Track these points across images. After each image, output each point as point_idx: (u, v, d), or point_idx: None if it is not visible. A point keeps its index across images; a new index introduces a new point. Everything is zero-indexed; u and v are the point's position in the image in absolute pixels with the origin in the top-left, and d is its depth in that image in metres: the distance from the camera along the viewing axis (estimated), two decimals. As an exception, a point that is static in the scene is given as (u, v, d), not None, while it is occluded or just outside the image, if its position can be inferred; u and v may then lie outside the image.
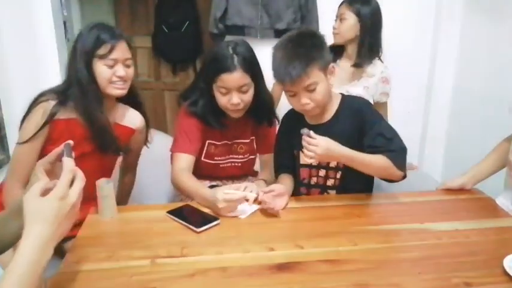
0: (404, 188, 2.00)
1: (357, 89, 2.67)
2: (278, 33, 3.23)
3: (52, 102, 1.87)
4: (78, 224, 1.80)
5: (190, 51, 4.39)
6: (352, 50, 2.75)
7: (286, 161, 2.03)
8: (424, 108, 3.55)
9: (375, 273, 1.42)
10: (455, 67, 3.33)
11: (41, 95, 1.91)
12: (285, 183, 1.95)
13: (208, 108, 2.03)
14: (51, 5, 3.00)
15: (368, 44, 2.70)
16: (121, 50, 1.88)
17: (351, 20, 2.69)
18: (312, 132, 1.72)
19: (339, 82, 2.64)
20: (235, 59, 1.91)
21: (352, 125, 1.87)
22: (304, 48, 1.76)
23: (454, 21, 3.27)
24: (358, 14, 2.71)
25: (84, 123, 1.90)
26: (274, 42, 3.26)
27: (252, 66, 1.97)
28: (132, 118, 2.10)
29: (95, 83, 1.88)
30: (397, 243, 1.62)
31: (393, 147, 1.81)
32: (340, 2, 2.78)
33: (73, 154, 1.19)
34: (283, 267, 1.43)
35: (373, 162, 1.79)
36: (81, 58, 1.86)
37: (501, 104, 2.10)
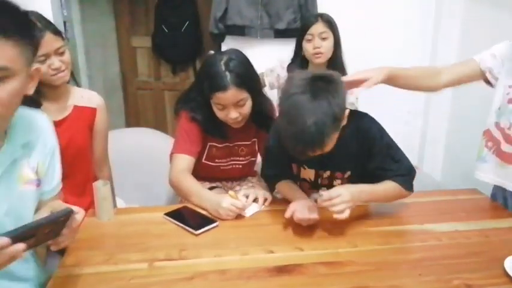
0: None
1: None
2: (278, 33, 3.23)
3: None
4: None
5: (190, 51, 4.38)
6: (323, 67, 2.69)
7: (286, 171, 1.93)
8: (424, 108, 3.54)
9: (374, 275, 1.42)
10: (455, 67, 3.32)
11: None
12: (297, 191, 1.86)
13: (208, 120, 2.00)
14: (51, 5, 3.00)
15: (339, 58, 2.71)
16: (49, 43, 1.78)
17: (331, 37, 2.67)
18: (325, 194, 1.60)
19: None
20: (228, 77, 1.86)
21: (358, 144, 1.76)
22: (321, 117, 1.49)
23: (454, 20, 3.26)
24: (332, 30, 2.69)
25: None
26: (274, 42, 3.28)
27: (246, 81, 1.91)
28: (89, 98, 2.07)
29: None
30: (397, 245, 1.61)
31: (402, 171, 1.77)
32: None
33: None
34: (282, 270, 1.43)
35: (387, 192, 1.76)
36: None
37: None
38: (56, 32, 1.82)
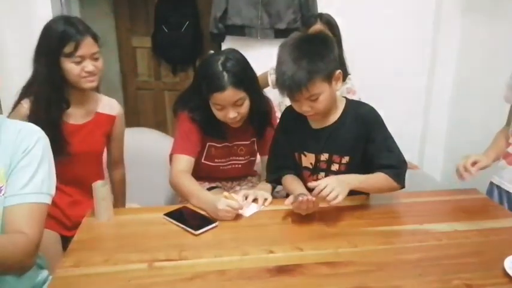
0: (404, 188, 1.99)
1: None
2: (278, 33, 3.23)
3: (27, 106, 1.92)
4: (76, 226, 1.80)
5: (190, 51, 4.38)
6: None
7: (289, 162, 1.96)
8: (424, 108, 3.54)
9: (375, 275, 1.41)
10: (455, 67, 3.32)
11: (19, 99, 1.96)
12: (298, 184, 1.90)
13: (207, 120, 2.02)
14: (51, 5, 3.00)
15: (340, 59, 2.51)
16: (87, 46, 1.87)
17: None
18: (315, 187, 1.65)
19: None
20: (226, 77, 1.88)
21: (357, 130, 1.83)
22: (307, 59, 1.67)
23: (454, 21, 3.26)
24: (332, 30, 2.60)
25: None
26: (274, 42, 3.27)
27: (244, 80, 1.93)
28: (110, 105, 2.15)
29: (61, 82, 1.90)
30: (397, 245, 1.61)
31: (395, 162, 1.82)
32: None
33: None
34: (282, 270, 1.42)
35: (377, 182, 1.81)
36: (47, 56, 1.88)
37: (501, 104, 2.09)
38: (95, 38, 1.92)
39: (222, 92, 1.88)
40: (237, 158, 2.20)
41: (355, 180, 1.75)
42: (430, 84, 3.45)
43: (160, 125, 4.32)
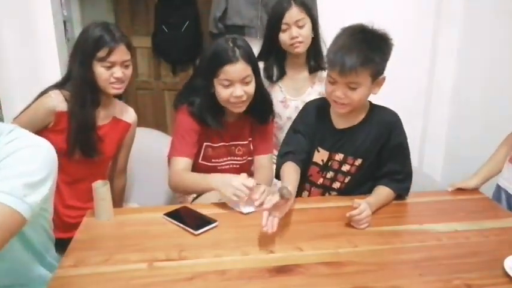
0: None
1: (312, 97, 2.36)
2: (278, 33, 3.22)
3: (55, 96, 1.97)
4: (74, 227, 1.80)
5: (190, 51, 4.37)
6: (302, 56, 2.54)
7: (299, 151, 1.93)
8: (424, 108, 3.53)
9: (375, 275, 1.41)
10: (455, 67, 3.32)
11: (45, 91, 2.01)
12: (292, 178, 1.82)
13: (206, 106, 2.02)
14: (51, 5, 2.99)
15: (319, 42, 2.53)
16: (119, 53, 1.94)
17: (309, 23, 2.45)
18: (354, 212, 1.65)
19: (294, 94, 2.55)
20: (237, 51, 1.93)
21: (377, 134, 1.85)
22: (368, 46, 1.70)
23: (454, 21, 3.26)
24: (309, 13, 2.46)
25: (70, 120, 1.97)
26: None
27: (252, 59, 1.99)
28: (128, 113, 2.21)
29: (94, 83, 1.95)
30: (397, 245, 1.61)
31: (404, 174, 1.89)
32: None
33: None
34: (282, 270, 1.43)
35: (386, 201, 1.87)
36: (81, 57, 1.94)
37: (501, 103, 2.09)
38: (129, 46, 1.99)
39: (234, 64, 1.92)
40: (235, 158, 2.20)
41: (376, 206, 1.78)
42: (430, 84, 3.44)
43: (160, 125, 4.32)
